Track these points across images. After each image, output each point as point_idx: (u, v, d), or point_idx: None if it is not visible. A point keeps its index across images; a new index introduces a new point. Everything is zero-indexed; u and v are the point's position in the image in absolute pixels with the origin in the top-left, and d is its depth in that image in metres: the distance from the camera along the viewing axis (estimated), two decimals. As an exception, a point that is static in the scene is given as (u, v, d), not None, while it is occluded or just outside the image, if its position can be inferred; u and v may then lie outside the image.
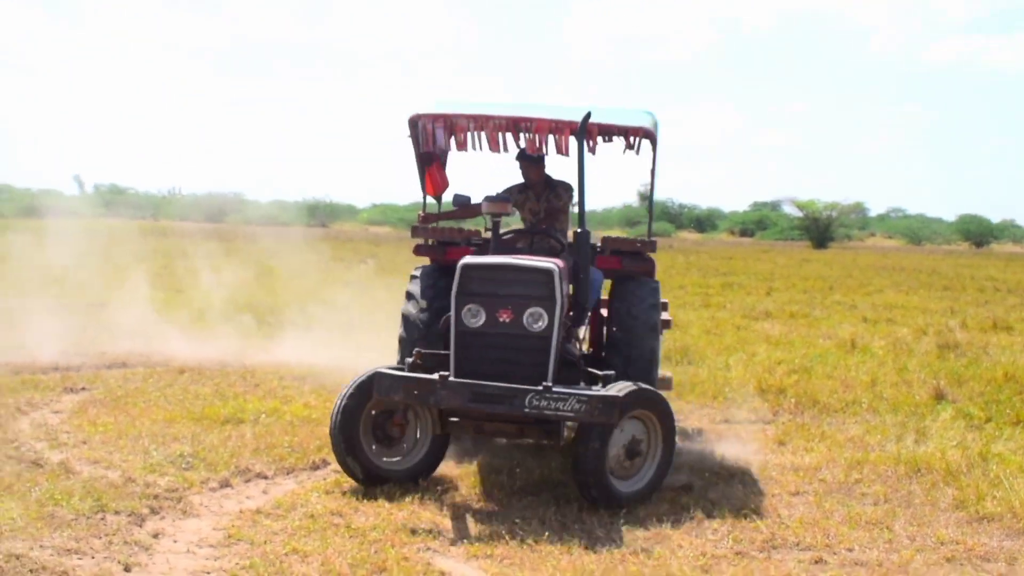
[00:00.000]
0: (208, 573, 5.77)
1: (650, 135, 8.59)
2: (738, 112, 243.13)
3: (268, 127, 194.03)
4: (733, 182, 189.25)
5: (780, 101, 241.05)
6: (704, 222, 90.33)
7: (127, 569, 5.73)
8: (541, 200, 9.02)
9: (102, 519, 6.39)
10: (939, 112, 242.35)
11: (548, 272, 7.16)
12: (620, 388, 6.91)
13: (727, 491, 7.55)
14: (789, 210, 76.35)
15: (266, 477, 7.76)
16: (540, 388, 6.70)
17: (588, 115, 7.77)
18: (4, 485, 6.99)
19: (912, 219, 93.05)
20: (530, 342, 7.12)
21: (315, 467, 8.02)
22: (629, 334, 8.20)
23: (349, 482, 7.41)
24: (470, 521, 6.77)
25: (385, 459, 7.53)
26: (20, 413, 9.39)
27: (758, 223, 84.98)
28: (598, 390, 6.89)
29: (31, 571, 5.51)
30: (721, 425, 10.08)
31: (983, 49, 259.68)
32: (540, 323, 7.11)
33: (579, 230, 7.74)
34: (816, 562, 6.19)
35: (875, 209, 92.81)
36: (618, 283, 8.69)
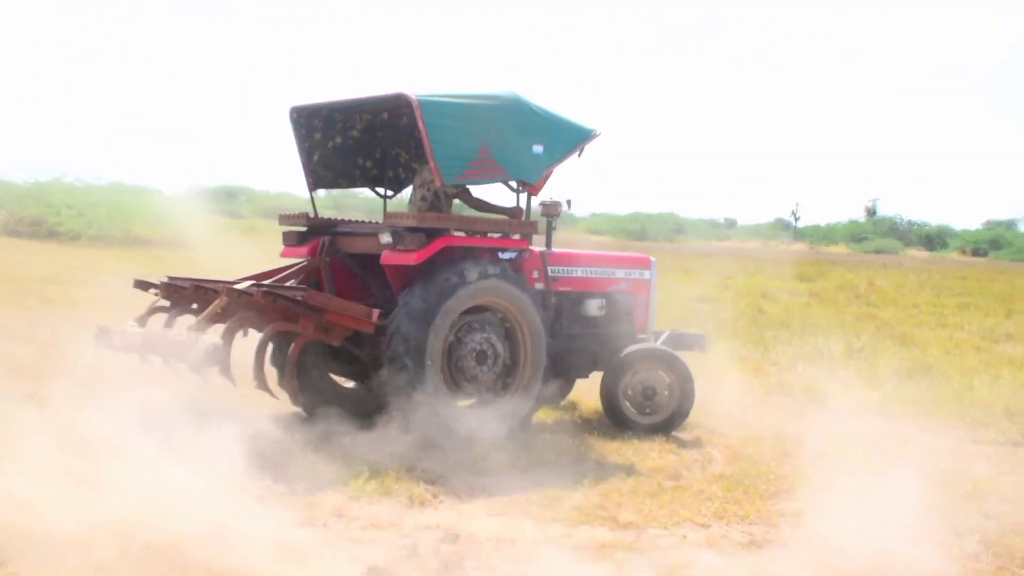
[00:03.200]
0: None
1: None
2: (969, 122, 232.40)
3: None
4: (965, 198, 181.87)
5: (1018, 111, 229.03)
6: (934, 240, 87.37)
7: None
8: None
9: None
10: None
11: None
12: None
13: (981, 508, 7.59)
14: (1028, 229, 73.08)
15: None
16: None
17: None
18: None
19: None
20: None
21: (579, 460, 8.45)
22: None
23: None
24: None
25: None
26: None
27: (992, 242, 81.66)
28: None
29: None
30: (969, 445, 10.00)
31: None
32: None
33: None
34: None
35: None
36: None
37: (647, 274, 10.64)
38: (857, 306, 23.85)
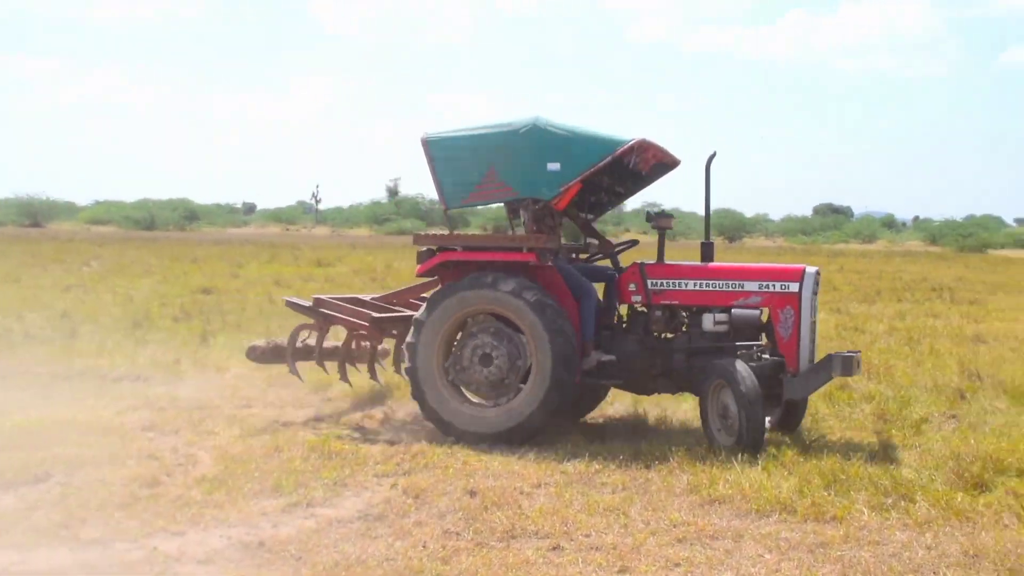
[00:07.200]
0: None
1: None
2: (493, 102, 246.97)
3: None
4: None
5: (537, 91, 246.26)
6: (456, 219, 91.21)
7: None
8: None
9: None
10: (693, 103, 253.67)
11: None
12: None
13: (469, 485, 7.56)
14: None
15: None
16: None
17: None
18: None
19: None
20: None
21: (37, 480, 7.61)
22: None
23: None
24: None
25: None
26: None
27: (505, 218, 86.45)
28: None
29: None
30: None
31: (739, 40, 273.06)
32: None
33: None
34: (553, 548, 6.28)
35: (631, 205, 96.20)
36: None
37: (793, 287, 9.38)
38: (373, 289, 24.02)
